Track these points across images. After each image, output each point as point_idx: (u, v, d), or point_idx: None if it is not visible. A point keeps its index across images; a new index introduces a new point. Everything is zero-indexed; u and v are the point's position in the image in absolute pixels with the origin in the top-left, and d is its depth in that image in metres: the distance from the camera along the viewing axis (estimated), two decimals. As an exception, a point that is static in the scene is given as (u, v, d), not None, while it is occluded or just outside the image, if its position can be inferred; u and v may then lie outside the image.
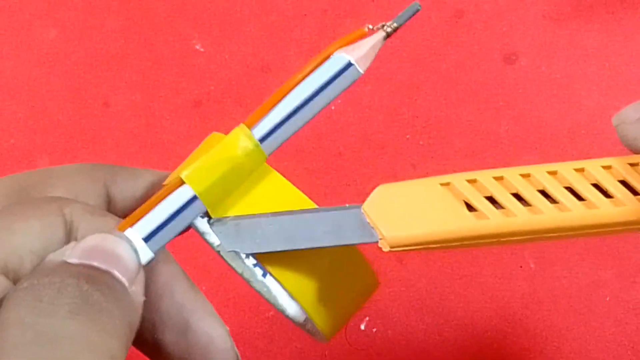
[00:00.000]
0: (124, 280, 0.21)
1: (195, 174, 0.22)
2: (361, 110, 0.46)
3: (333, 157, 0.45)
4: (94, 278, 0.20)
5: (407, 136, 0.45)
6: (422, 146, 0.45)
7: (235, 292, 0.44)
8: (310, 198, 0.45)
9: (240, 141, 0.22)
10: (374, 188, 0.48)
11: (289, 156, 0.44)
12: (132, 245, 0.22)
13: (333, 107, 0.45)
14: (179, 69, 0.48)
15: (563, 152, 0.44)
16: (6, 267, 0.21)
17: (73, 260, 0.21)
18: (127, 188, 0.25)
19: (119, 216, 0.24)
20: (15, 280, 0.21)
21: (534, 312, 0.42)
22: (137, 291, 0.21)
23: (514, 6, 0.47)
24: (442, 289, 0.43)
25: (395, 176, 0.45)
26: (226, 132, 0.46)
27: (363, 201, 0.22)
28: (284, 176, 0.27)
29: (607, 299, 0.41)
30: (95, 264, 0.21)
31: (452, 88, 0.46)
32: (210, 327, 0.23)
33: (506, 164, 0.43)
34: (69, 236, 0.22)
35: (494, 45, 0.46)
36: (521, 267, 0.42)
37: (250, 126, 0.22)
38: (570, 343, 0.41)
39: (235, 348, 0.24)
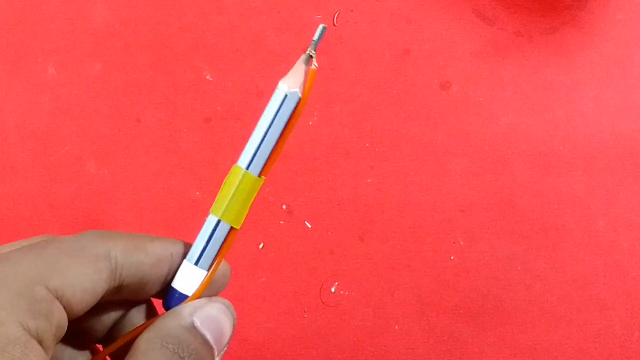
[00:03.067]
0: (217, 357, 0.24)
1: (228, 214, 0.25)
2: (332, 125, 0.49)
3: (311, 161, 0.48)
4: (198, 354, 0.23)
5: (367, 144, 0.48)
6: (377, 152, 0.48)
7: (235, 262, 0.46)
8: (293, 193, 0.50)
9: (246, 180, 0.25)
10: (343, 184, 0.51)
11: (278, 160, 0.52)
12: (233, 317, 0.25)
13: (310, 123, 0.49)
14: (193, 94, 0.50)
15: (485, 157, 0.48)
16: (63, 296, 0.22)
17: (197, 324, 0.24)
18: (133, 261, 0.24)
19: (128, 287, 0.25)
20: (65, 306, 0.22)
21: (463, 278, 0.46)
22: None
23: (448, 46, 0.49)
24: (393, 261, 0.47)
25: (357, 175, 0.48)
26: (230, 143, 0.49)
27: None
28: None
29: (519, 268, 0.46)
30: (207, 336, 0.24)
31: (401, 108, 0.49)
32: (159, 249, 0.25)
33: (441, 167, 0.49)
34: (114, 273, 0.24)
35: (432, 75, 0.49)
36: (454, 243, 0.47)
37: (246, 166, 0.25)
38: (490, 302, 0.46)
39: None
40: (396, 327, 0.46)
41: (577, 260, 0.46)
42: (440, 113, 0.49)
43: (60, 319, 0.22)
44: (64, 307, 0.22)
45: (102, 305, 0.25)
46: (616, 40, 0.49)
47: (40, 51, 0.52)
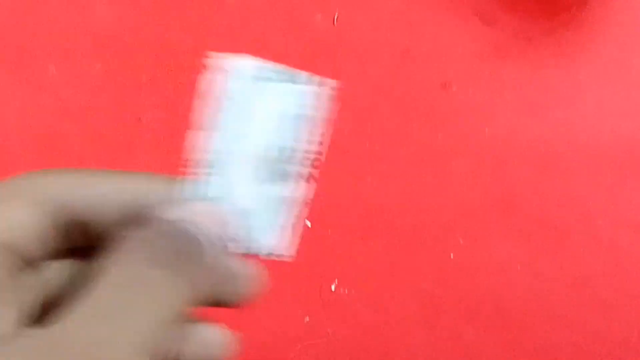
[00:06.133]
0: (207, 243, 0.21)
1: None
2: (333, 124, 0.51)
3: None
4: (180, 239, 0.20)
5: (367, 144, 0.49)
6: (377, 151, 0.49)
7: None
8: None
9: None
10: (343, 184, 0.52)
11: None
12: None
13: (311, 122, 0.53)
14: (194, 93, 0.54)
15: (485, 157, 0.48)
16: (11, 243, 0.20)
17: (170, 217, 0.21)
18: (78, 199, 0.21)
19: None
20: (15, 253, 0.20)
21: (463, 278, 0.47)
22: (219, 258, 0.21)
23: (448, 45, 0.50)
24: (393, 260, 0.47)
25: (357, 173, 0.48)
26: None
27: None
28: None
29: (518, 268, 0.47)
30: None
31: (401, 107, 0.49)
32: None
33: (441, 167, 0.50)
34: (57, 214, 0.21)
35: (433, 75, 0.49)
36: (454, 242, 0.47)
37: None
38: (490, 300, 0.46)
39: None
40: (396, 325, 0.47)
41: (577, 260, 0.47)
42: (440, 113, 0.49)
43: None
44: (10, 251, 0.20)
45: None
46: (616, 41, 0.49)
47: (40, 50, 0.53)
